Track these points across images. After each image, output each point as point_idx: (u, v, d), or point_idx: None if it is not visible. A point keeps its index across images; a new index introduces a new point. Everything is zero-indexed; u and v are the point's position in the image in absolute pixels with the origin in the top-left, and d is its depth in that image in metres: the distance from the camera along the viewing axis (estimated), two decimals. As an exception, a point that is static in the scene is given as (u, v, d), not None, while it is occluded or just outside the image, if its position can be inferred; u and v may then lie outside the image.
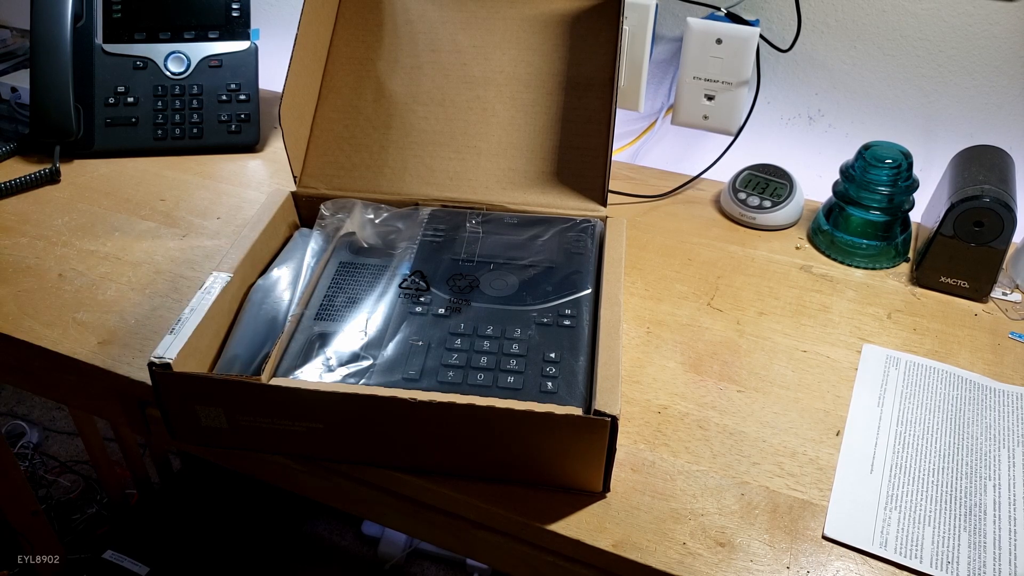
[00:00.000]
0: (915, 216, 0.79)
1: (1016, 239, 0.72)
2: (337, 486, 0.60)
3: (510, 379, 0.54)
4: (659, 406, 0.61)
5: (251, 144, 0.95)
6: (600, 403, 0.49)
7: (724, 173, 0.87)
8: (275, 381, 0.52)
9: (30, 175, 0.86)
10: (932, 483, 0.55)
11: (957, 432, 0.59)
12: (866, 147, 0.76)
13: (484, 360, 0.55)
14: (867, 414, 0.61)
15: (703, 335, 0.68)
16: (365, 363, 0.55)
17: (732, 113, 0.87)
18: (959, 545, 0.51)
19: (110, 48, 0.92)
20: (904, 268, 0.77)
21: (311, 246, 0.66)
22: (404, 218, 0.69)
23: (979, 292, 0.73)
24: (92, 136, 0.92)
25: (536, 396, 0.52)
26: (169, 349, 0.53)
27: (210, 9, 0.93)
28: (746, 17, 0.84)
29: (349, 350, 0.56)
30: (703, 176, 0.89)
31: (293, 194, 0.71)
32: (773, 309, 0.71)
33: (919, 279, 0.75)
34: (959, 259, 0.72)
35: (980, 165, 0.73)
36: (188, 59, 0.93)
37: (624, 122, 0.97)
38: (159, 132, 0.93)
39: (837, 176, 0.79)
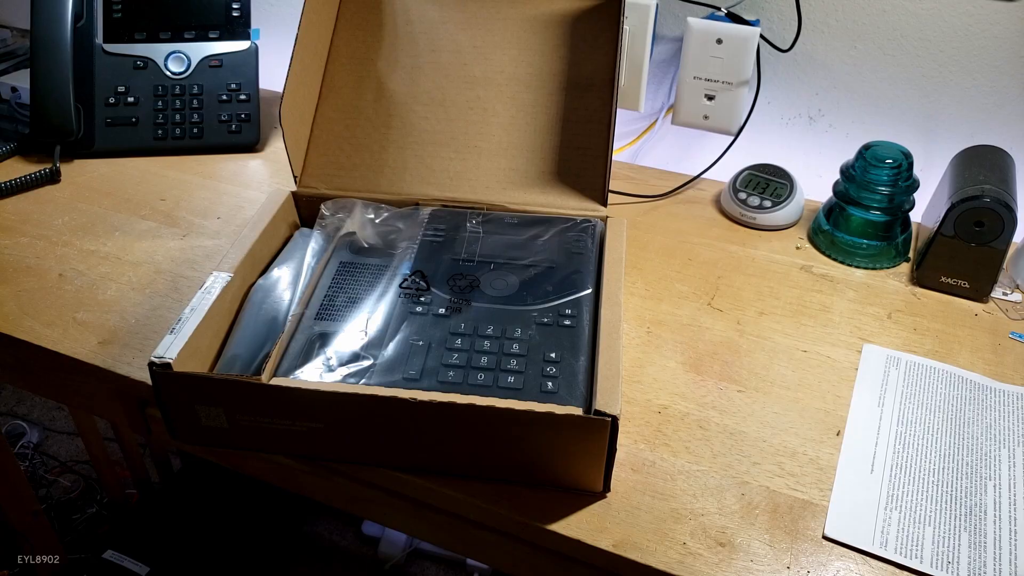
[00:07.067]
0: (915, 216, 0.79)
1: (1016, 239, 0.72)
2: (337, 486, 0.60)
3: (510, 379, 0.54)
4: (659, 406, 0.61)
5: (251, 144, 0.95)
6: (600, 403, 0.49)
7: (724, 173, 0.87)
8: (275, 381, 0.52)
9: (30, 175, 0.86)
10: (932, 483, 0.55)
11: (957, 432, 0.59)
12: (866, 147, 0.76)
13: (484, 360, 0.55)
14: (867, 414, 0.61)
15: (703, 335, 0.68)
16: (365, 363, 0.55)
17: (732, 113, 0.87)
18: (959, 545, 0.51)
19: (110, 48, 0.92)
20: (904, 268, 0.77)
21: (311, 246, 0.66)
22: (404, 218, 0.69)
23: (979, 292, 0.73)
24: (92, 136, 0.92)
25: (536, 396, 0.52)
26: (169, 349, 0.53)
27: (210, 9, 0.93)
28: (746, 17, 0.84)
29: (349, 350, 0.56)
30: (703, 176, 0.89)
31: (293, 194, 0.71)
32: (773, 309, 0.71)
33: (919, 279, 0.75)
34: (959, 259, 0.72)
35: (980, 165, 0.73)
36: (188, 59, 0.93)
37: (624, 122, 0.97)
38: (159, 132, 0.93)
39: (837, 176, 0.79)
